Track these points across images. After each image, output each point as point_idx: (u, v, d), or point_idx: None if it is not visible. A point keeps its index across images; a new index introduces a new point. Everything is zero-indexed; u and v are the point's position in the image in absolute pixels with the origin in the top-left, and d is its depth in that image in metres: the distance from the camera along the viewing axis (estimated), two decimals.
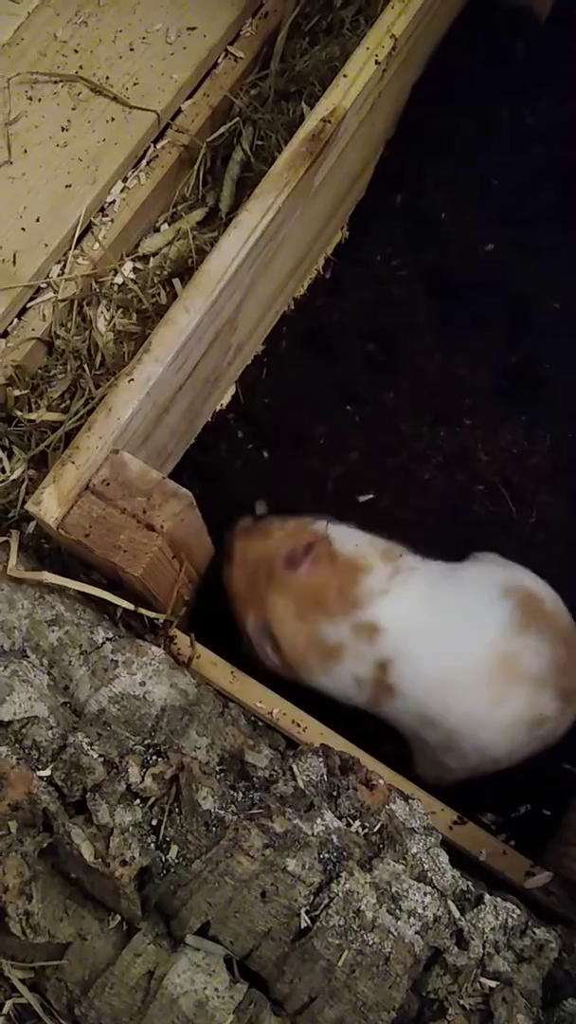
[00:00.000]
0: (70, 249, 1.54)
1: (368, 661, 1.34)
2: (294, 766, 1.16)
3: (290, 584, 1.34)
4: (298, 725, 1.33)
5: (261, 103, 1.69)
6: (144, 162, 1.62)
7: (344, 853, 1.08)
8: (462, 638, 1.33)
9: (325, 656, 1.35)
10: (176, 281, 1.60)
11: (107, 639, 1.25)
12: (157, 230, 1.66)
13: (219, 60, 1.69)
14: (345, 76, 1.43)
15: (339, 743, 1.32)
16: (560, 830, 1.41)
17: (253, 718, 1.32)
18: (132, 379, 1.27)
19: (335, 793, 1.16)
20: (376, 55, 1.45)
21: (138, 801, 1.08)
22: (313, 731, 1.32)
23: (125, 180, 1.60)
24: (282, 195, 1.37)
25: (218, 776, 1.14)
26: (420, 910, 1.06)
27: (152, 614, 1.31)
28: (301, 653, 1.36)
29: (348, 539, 1.38)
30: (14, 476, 1.45)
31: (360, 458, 1.65)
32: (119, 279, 1.59)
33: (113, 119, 1.59)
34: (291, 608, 1.34)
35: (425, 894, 1.07)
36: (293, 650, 1.36)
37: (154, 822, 1.08)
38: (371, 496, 1.63)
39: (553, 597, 1.39)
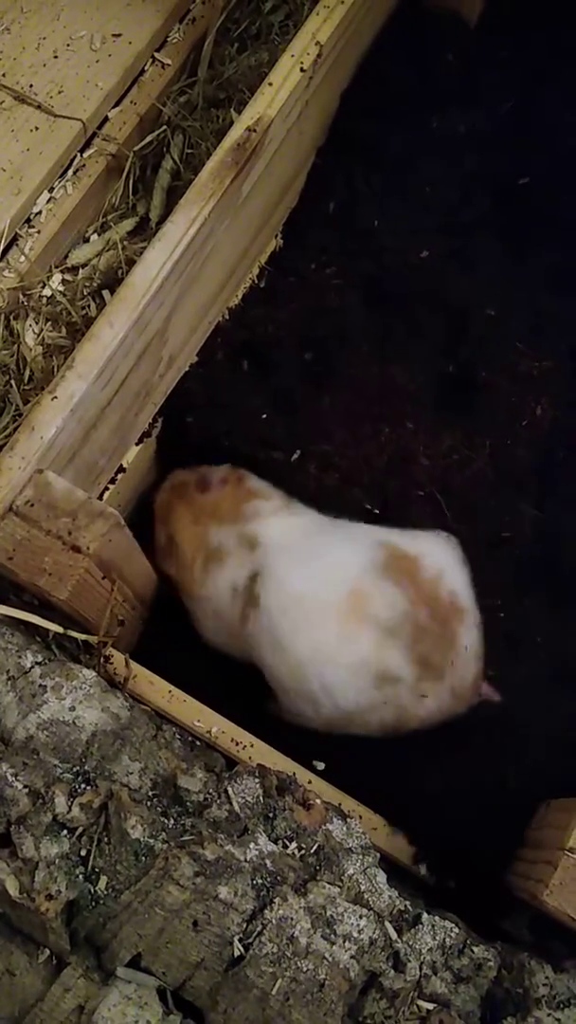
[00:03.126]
0: None
1: (245, 569, 1.43)
2: (229, 788, 1.14)
3: (195, 500, 1.51)
4: (237, 743, 1.31)
5: (190, 110, 1.67)
6: (71, 172, 1.58)
7: (278, 878, 1.06)
8: (324, 566, 1.40)
9: (209, 559, 1.47)
10: (106, 293, 1.56)
11: (36, 663, 1.22)
12: (86, 240, 1.63)
13: (146, 67, 1.66)
14: (270, 84, 1.41)
15: (278, 760, 1.31)
16: None
17: (191, 738, 1.30)
18: (55, 396, 1.24)
19: (271, 815, 1.14)
20: (301, 62, 1.43)
21: (65, 832, 1.06)
22: (252, 749, 1.31)
23: (51, 190, 1.56)
24: (208, 206, 1.35)
25: (149, 802, 1.11)
26: (355, 934, 1.04)
27: (83, 636, 1.28)
28: (191, 554, 1.49)
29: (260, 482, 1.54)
30: None
31: (299, 463, 1.63)
32: (47, 291, 1.55)
33: (37, 128, 1.56)
34: (190, 516, 1.51)
35: (361, 917, 1.06)
36: (185, 552, 1.50)
37: (82, 852, 1.05)
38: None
39: (440, 569, 1.39)
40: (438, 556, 1.42)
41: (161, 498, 1.58)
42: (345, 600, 1.35)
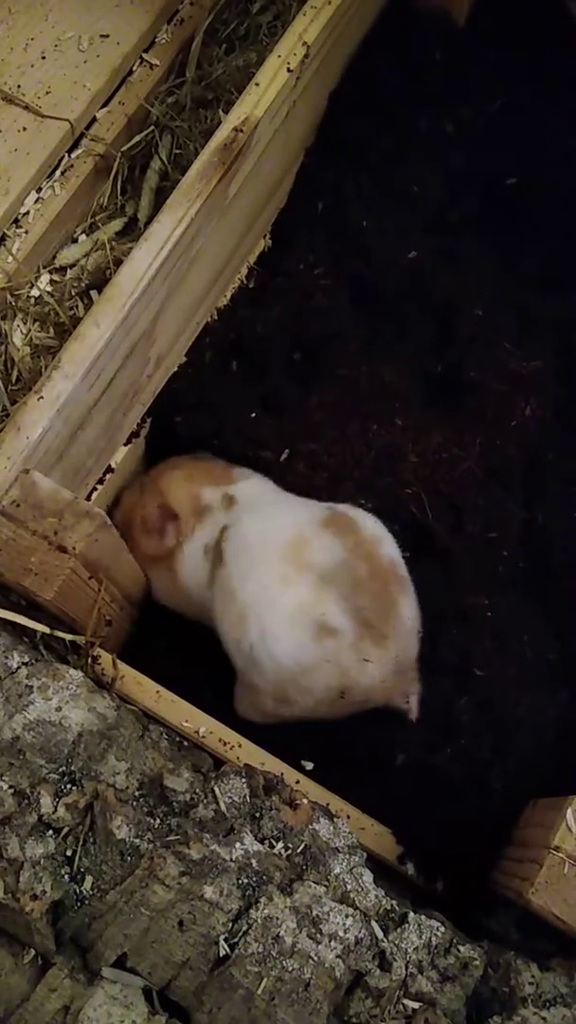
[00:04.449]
0: None
1: (218, 526, 1.46)
2: (216, 788, 1.14)
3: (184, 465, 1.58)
4: (225, 743, 1.31)
5: (178, 111, 1.67)
6: (59, 172, 1.58)
7: (264, 877, 1.06)
8: (275, 516, 1.45)
9: (195, 513, 1.50)
10: (94, 293, 1.56)
11: (23, 663, 1.22)
12: (74, 241, 1.63)
13: (134, 67, 1.66)
14: (257, 84, 1.42)
15: (266, 760, 1.31)
16: None
17: (178, 738, 1.30)
18: (41, 397, 1.24)
19: (257, 814, 1.14)
20: (288, 63, 1.43)
21: (51, 832, 1.06)
22: (240, 750, 1.31)
23: (39, 191, 1.56)
24: (194, 206, 1.35)
25: (135, 802, 1.11)
26: (341, 933, 1.04)
27: (69, 636, 1.28)
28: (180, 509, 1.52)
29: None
30: None
31: (288, 462, 1.63)
32: (35, 292, 1.55)
33: (25, 128, 1.56)
34: (183, 476, 1.55)
35: (347, 916, 1.06)
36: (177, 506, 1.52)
37: (68, 853, 1.05)
38: None
39: (378, 535, 1.42)
40: (376, 526, 1.44)
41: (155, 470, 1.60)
42: (287, 545, 1.37)
